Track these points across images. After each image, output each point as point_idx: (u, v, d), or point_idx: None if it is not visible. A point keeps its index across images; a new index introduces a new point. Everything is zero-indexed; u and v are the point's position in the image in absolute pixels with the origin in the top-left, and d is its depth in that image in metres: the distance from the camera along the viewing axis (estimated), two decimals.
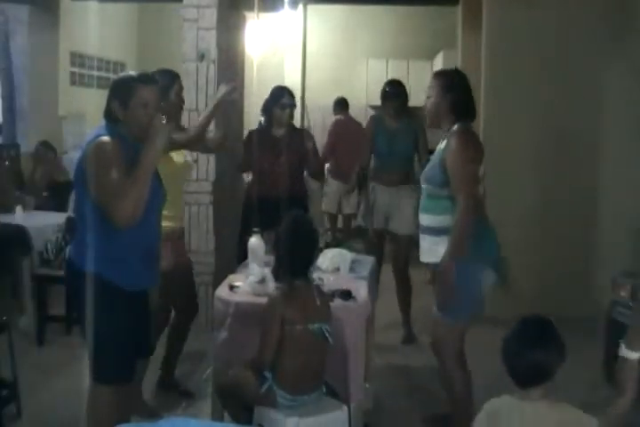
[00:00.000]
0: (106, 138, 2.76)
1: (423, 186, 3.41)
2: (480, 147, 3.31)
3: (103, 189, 2.68)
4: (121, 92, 2.84)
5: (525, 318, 2.26)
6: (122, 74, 3.04)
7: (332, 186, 8.02)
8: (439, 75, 3.49)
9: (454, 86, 3.34)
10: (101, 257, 2.76)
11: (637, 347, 2.39)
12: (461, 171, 3.17)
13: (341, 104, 8.64)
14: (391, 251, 5.31)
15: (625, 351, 2.42)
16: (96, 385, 2.87)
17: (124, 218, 2.66)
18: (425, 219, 3.35)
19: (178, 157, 3.91)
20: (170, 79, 3.92)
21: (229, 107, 5.65)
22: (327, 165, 8.01)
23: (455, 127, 3.29)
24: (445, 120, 3.34)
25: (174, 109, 3.95)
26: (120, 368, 2.87)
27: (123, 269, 2.80)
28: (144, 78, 2.90)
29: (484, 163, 3.32)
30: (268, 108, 4.86)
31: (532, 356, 2.14)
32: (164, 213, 3.13)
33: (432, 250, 3.30)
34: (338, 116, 8.50)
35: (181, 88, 4.02)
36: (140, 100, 2.83)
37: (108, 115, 2.87)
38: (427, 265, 3.54)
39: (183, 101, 4.08)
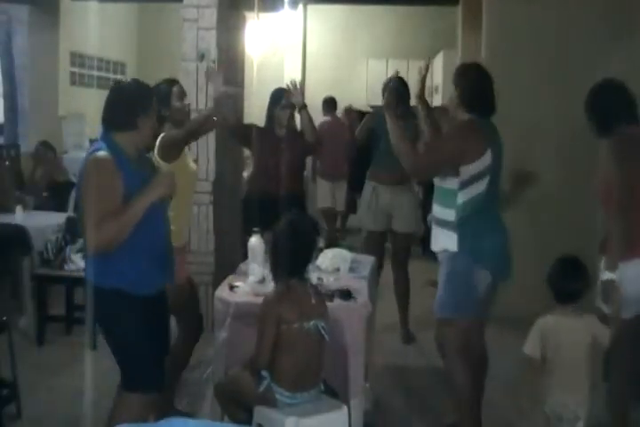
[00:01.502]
0: (102, 153, 2.75)
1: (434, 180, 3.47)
2: (479, 143, 3.27)
3: (89, 211, 2.70)
4: (147, 101, 2.90)
5: (564, 255, 3.10)
6: (130, 82, 3.02)
7: (324, 186, 8.16)
8: (456, 69, 3.55)
9: (465, 80, 3.39)
10: (114, 267, 2.76)
11: (613, 268, 3.15)
12: (440, 143, 3.32)
13: (330, 104, 8.80)
14: (392, 248, 5.31)
15: (606, 275, 3.17)
16: (127, 393, 2.86)
17: (97, 245, 2.71)
18: (434, 208, 3.43)
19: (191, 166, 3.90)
20: (166, 86, 3.94)
21: (229, 107, 5.66)
22: (317, 165, 8.27)
23: (464, 119, 3.35)
24: (458, 113, 3.40)
25: (178, 115, 3.96)
26: (154, 375, 2.88)
27: (136, 275, 2.79)
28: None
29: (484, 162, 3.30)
30: (269, 110, 4.88)
31: (570, 280, 2.99)
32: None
33: (436, 239, 3.40)
34: (324, 118, 8.64)
35: (181, 93, 4.02)
36: (156, 107, 2.96)
37: (122, 122, 2.85)
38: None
39: (187, 107, 4.08)
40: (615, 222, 3.14)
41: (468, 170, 3.23)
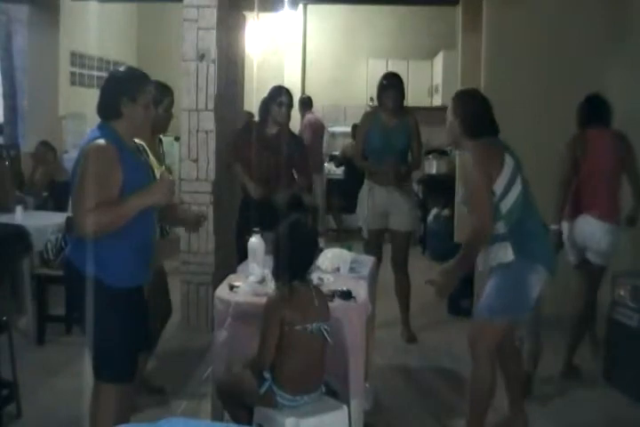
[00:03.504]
0: (102, 141, 2.73)
1: (464, 205, 3.48)
2: (496, 159, 3.30)
3: (82, 195, 2.69)
4: (131, 87, 2.82)
5: None
6: (122, 69, 3.01)
7: None
8: (453, 98, 3.53)
9: (462, 109, 3.41)
10: (96, 256, 2.76)
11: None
12: (473, 191, 3.27)
13: (306, 103, 9.15)
14: (391, 248, 5.30)
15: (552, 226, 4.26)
16: (100, 384, 2.88)
17: (81, 228, 2.70)
18: None
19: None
20: (162, 93, 3.91)
21: (229, 107, 5.66)
22: None
23: (470, 146, 3.36)
24: (462, 141, 3.42)
25: (161, 123, 3.92)
26: (123, 367, 2.89)
27: (117, 268, 2.80)
28: (148, 77, 2.94)
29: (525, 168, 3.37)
30: (265, 106, 4.88)
31: None
32: None
33: (487, 256, 3.37)
34: (309, 116, 9.06)
35: (172, 103, 4.02)
36: (148, 97, 2.86)
37: (108, 110, 2.83)
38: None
39: (171, 117, 4.07)
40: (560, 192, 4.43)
41: (500, 183, 3.26)
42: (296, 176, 4.98)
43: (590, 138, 4.43)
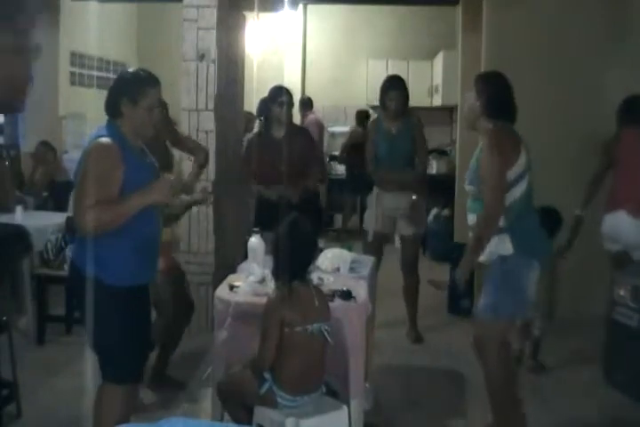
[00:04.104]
0: (106, 140, 2.76)
1: (467, 187, 3.46)
2: (514, 146, 3.30)
3: (82, 192, 2.71)
4: (133, 88, 2.85)
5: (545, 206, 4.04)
6: (131, 70, 3.04)
7: None
8: (478, 77, 3.54)
9: (489, 88, 3.41)
10: (97, 256, 2.76)
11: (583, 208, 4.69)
12: (488, 172, 3.25)
13: (307, 103, 9.25)
14: (401, 250, 5.29)
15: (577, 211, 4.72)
16: (105, 384, 2.88)
17: (82, 229, 2.72)
18: (471, 219, 3.41)
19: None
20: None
21: (229, 107, 5.66)
22: None
23: (490, 128, 3.34)
24: (480, 122, 3.40)
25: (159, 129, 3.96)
26: (126, 367, 2.89)
27: (118, 268, 2.80)
28: (156, 80, 2.94)
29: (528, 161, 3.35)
30: (266, 108, 4.88)
31: (545, 224, 3.62)
32: None
33: (488, 249, 3.34)
34: (310, 116, 9.11)
35: (165, 112, 4.09)
36: (150, 101, 2.87)
37: (111, 109, 2.87)
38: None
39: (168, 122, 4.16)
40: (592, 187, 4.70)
41: (510, 174, 3.26)
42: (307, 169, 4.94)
43: (628, 137, 4.57)
